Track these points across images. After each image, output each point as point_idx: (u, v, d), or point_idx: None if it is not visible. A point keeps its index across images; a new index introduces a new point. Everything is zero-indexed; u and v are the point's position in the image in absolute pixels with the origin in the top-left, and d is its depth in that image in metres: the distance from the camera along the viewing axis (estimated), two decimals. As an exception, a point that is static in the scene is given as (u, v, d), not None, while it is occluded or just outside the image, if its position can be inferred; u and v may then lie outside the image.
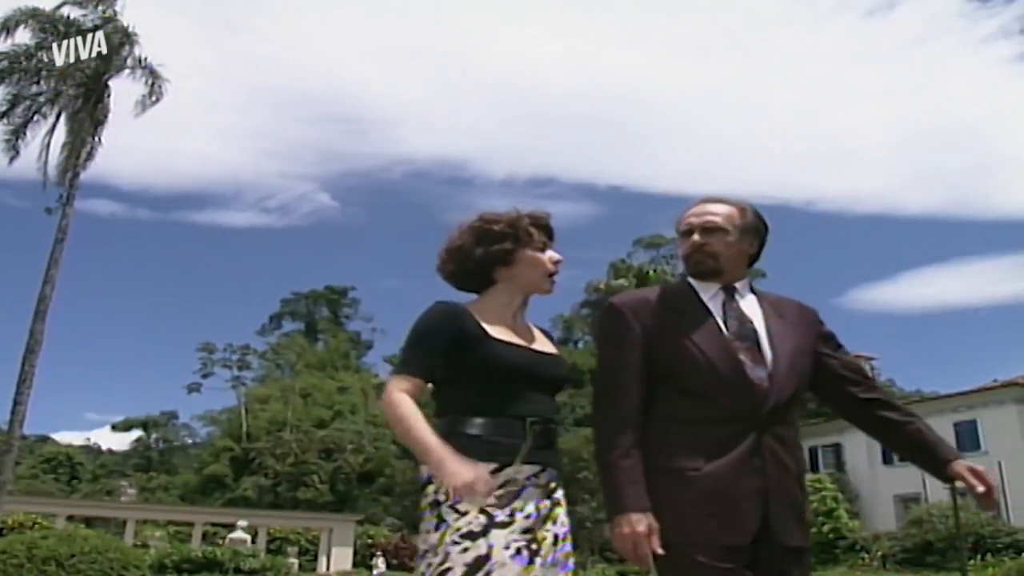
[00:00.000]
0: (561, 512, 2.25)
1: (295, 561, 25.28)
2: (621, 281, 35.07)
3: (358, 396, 56.53)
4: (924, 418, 2.32)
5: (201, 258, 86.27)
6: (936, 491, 26.00)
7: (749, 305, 2.28)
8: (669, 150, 78.01)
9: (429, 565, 2.06)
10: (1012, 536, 23.32)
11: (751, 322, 2.23)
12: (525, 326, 2.40)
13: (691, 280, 2.33)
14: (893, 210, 78.97)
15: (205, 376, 62.15)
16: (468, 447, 2.10)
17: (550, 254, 2.39)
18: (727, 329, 2.20)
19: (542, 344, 2.38)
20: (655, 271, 43.61)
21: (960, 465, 2.17)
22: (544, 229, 2.40)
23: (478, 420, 2.17)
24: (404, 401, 2.13)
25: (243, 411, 55.23)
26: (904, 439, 2.29)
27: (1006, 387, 30.11)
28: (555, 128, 79.69)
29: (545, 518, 2.18)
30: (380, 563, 27.22)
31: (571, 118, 79.56)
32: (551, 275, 2.38)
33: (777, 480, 2.08)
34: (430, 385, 2.27)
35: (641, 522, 2.03)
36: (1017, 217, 78.11)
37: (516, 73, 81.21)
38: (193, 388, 62.54)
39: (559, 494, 2.26)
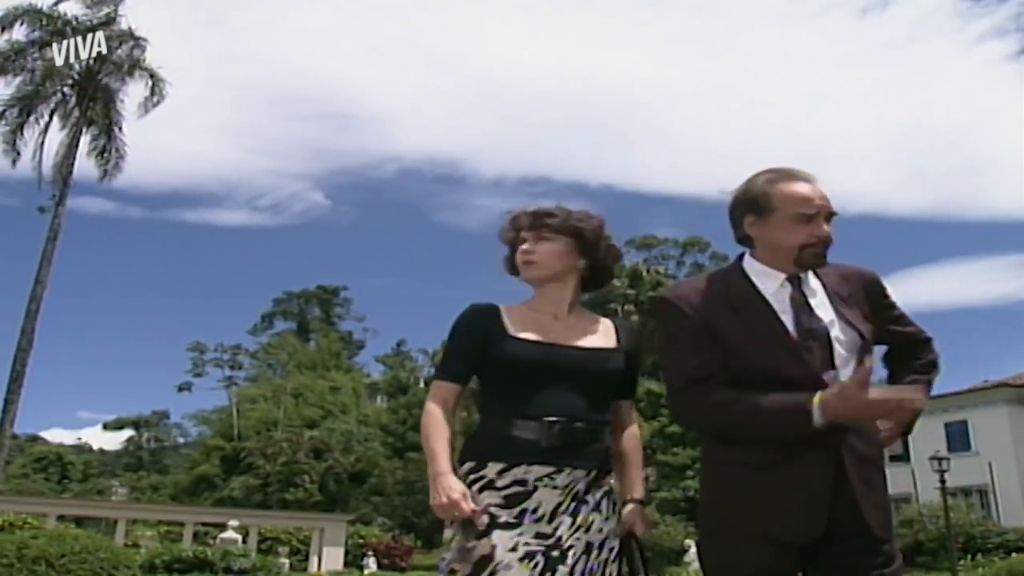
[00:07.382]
0: (599, 519, 2.12)
1: (286, 561, 25.14)
2: (614, 282, 35.09)
3: (350, 396, 56.46)
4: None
5: (193, 257, 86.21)
6: (927, 491, 26.08)
7: (814, 293, 1.99)
8: (660, 149, 78.27)
9: (443, 560, 2.08)
10: (1002, 536, 23.45)
11: (822, 320, 1.93)
12: (575, 321, 2.27)
13: (745, 267, 2.02)
14: (883, 210, 79.38)
15: (197, 375, 62.30)
16: (481, 445, 2.14)
17: (521, 247, 2.30)
18: (796, 329, 1.91)
19: (598, 339, 2.24)
20: (649, 271, 43.76)
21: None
22: (513, 222, 2.34)
23: (496, 419, 2.16)
24: (431, 413, 2.17)
25: (234, 411, 55.08)
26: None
27: (997, 388, 30.26)
28: (547, 126, 79.89)
29: (578, 525, 2.09)
30: (371, 563, 27.19)
31: (563, 116, 79.79)
32: (525, 263, 2.28)
33: (855, 469, 1.87)
34: (472, 385, 2.26)
35: None
36: (1008, 218, 78.62)
37: (508, 71, 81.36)
38: (184, 387, 62.66)
39: (597, 498, 2.14)
